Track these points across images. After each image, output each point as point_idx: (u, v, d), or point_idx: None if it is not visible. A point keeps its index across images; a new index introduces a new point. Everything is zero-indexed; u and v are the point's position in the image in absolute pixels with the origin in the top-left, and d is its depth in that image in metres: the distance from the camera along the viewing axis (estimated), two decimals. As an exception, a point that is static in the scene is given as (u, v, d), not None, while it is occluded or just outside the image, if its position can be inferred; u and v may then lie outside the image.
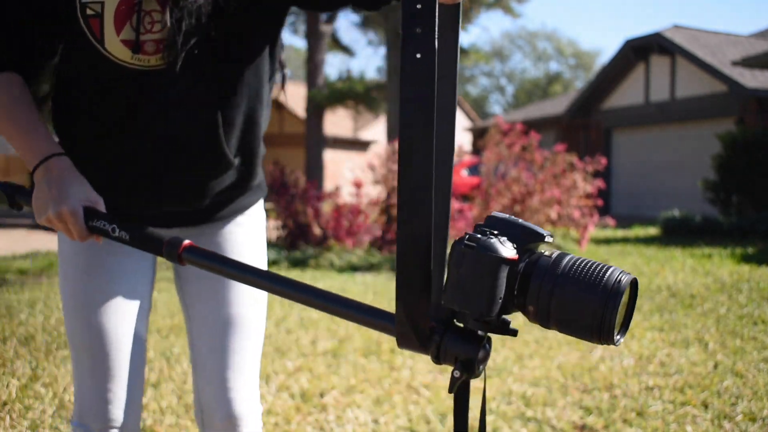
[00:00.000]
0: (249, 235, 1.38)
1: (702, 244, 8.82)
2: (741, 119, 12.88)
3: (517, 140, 8.53)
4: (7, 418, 2.57)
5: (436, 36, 0.72)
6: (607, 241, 9.64)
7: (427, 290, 0.76)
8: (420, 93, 0.72)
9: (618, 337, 0.73)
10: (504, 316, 0.76)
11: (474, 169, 15.45)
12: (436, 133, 0.74)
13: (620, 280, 0.71)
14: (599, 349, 3.61)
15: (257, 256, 1.39)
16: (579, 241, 8.43)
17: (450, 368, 0.79)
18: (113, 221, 1.04)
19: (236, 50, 1.20)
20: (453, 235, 7.68)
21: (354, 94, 15.78)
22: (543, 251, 0.76)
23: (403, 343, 0.79)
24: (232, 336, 1.32)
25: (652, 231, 11.22)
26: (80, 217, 1.05)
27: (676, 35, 14.65)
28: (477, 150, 16.15)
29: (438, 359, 0.78)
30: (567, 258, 0.73)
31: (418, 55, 0.71)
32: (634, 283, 0.74)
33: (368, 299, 5.10)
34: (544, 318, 0.73)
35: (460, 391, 0.82)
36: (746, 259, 7.25)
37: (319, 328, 4.12)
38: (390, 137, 9.08)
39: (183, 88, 1.18)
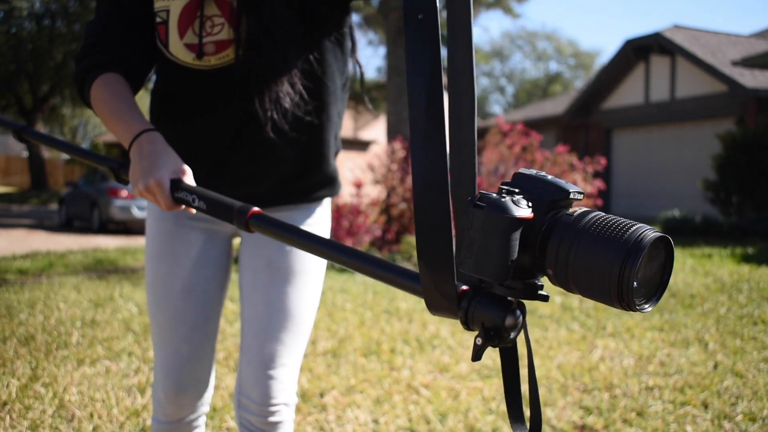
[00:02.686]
0: (311, 228, 1.42)
1: (702, 244, 8.82)
2: (741, 119, 12.88)
3: (517, 140, 8.53)
4: (7, 418, 2.57)
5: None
6: (607, 241, 9.63)
7: (449, 251, 0.70)
8: (425, 52, 0.69)
9: (645, 304, 0.66)
10: (535, 281, 0.71)
11: (474, 169, 15.43)
12: (455, 89, 0.74)
13: (644, 235, 0.64)
14: (599, 349, 3.61)
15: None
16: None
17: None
18: (194, 192, 1.07)
19: (292, 47, 1.29)
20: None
21: (354, 94, 15.78)
22: (568, 209, 0.70)
23: (431, 307, 0.75)
24: (279, 326, 1.37)
25: (652, 231, 11.22)
26: (166, 189, 1.08)
27: (676, 35, 14.66)
28: (477, 150, 16.13)
29: (467, 325, 0.73)
30: (591, 215, 0.67)
31: (420, 17, 0.69)
32: (666, 243, 0.67)
33: (368, 299, 5.10)
34: (563, 280, 0.67)
35: (507, 359, 0.77)
36: (746, 259, 7.25)
37: (319, 328, 4.12)
38: (390, 137, 9.07)
39: (240, 84, 1.28)
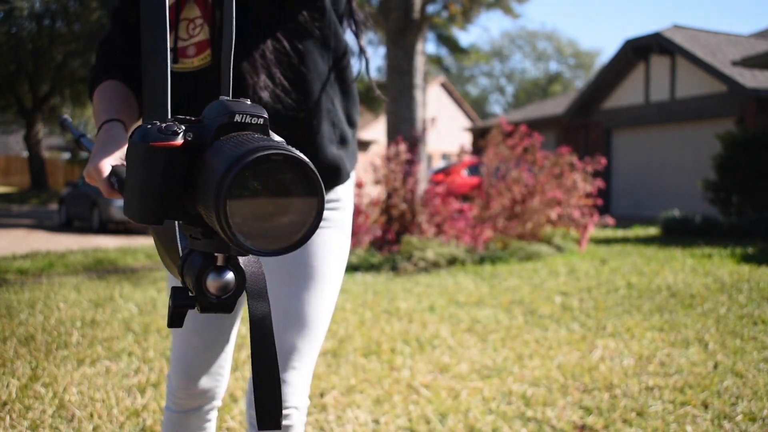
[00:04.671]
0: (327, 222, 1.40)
1: (702, 244, 8.82)
2: (741, 119, 12.89)
3: (519, 141, 8.52)
4: (7, 418, 2.57)
5: None
6: (607, 241, 9.64)
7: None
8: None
9: (251, 245, 0.52)
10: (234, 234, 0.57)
11: (474, 169, 15.46)
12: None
13: (260, 147, 0.50)
14: (599, 349, 3.61)
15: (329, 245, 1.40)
16: (579, 240, 8.43)
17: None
18: (119, 175, 1.03)
19: (266, 36, 1.28)
20: (452, 235, 7.68)
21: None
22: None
23: (168, 268, 0.66)
24: (291, 329, 1.35)
25: (652, 231, 11.22)
26: (103, 174, 1.07)
27: (676, 35, 14.66)
28: (477, 150, 16.14)
29: (185, 285, 0.64)
30: (240, 136, 0.56)
31: None
32: (307, 177, 0.53)
33: (368, 299, 5.10)
34: (208, 217, 0.55)
35: (252, 335, 0.66)
36: (746, 259, 7.25)
37: (319, 328, 4.11)
38: (390, 137, 9.07)
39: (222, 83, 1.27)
